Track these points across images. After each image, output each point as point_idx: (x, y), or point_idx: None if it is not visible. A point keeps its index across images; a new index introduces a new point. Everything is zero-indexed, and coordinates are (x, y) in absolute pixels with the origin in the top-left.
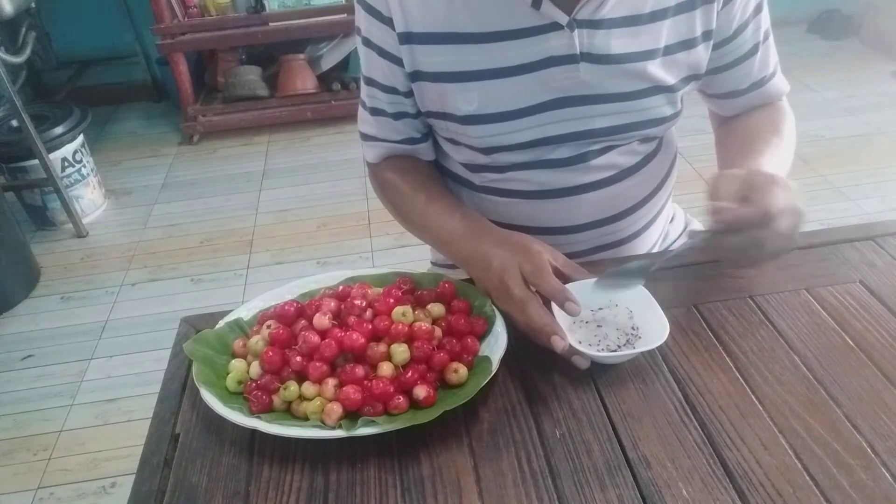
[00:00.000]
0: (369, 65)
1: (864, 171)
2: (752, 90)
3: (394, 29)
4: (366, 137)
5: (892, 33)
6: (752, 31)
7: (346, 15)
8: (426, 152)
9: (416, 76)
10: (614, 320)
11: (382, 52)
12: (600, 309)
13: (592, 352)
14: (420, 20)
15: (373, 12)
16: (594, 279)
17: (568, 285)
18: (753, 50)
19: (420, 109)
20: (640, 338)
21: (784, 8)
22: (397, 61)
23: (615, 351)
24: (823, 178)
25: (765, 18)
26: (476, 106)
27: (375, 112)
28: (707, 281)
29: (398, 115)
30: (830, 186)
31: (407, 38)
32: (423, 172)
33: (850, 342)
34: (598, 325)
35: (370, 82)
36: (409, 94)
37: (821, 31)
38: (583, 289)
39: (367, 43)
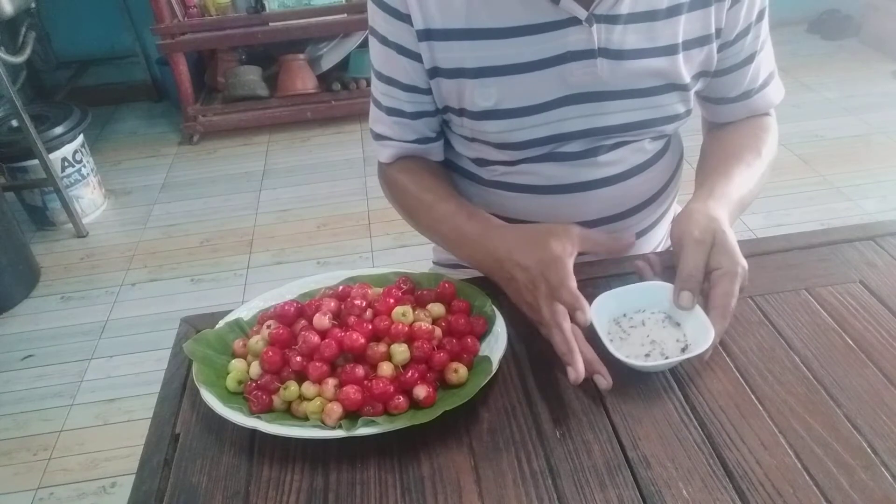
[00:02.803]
0: (388, 64)
1: (864, 171)
2: (739, 100)
3: (412, 25)
4: (379, 137)
5: (893, 33)
6: (752, 38)
7: (345, 15)
8: (437, 152)
9: (434, 73)
10: (661, 330)
11: (402, 50)
12: (637, 312)
13: (637, 362)
14: (439, 17)
15: (389, 10)
16: (629, 286)
17: (603, 295)
18: (749, 59)
19: (438, 106)
20: (687, 344)
21: (784, 8)
22: (417, 58)
23: (665, 358)
24: (823, 178)
25: (765, 27)
26: (494, 101)
27: (392, 112)
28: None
29: (417, 115)
30: (830, 186)
31: (426, 34)
32: (433, 173)
33: (850, 342)
34: (648, 337)
35: (389, 81)
36: (429, 91)
37: (821, 31)
38: (617, 296)
39: (385, 41)
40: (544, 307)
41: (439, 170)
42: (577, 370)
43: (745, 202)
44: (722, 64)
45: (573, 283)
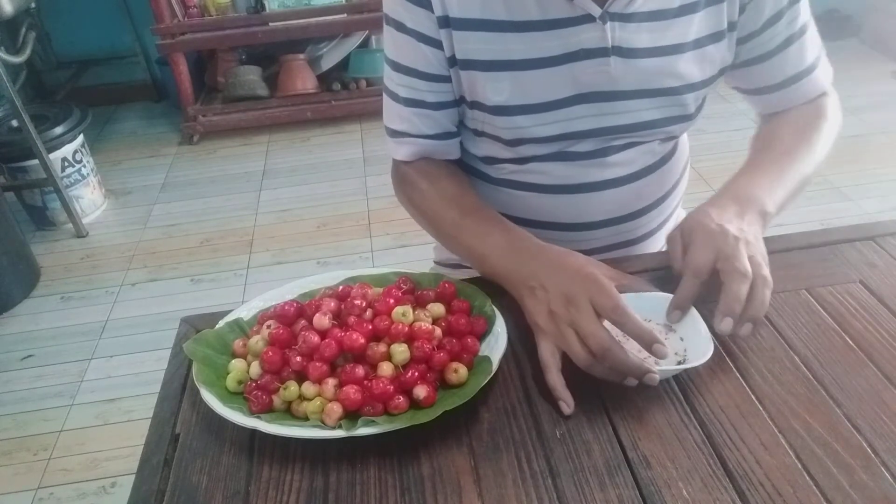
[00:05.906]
0: (407, 53)
1: (864, 171)
2: (785, 86)
3: (433, 12)
4: (395, 134)
5: (893, 33)
6: (786, 23)
7: (345, 15)
8: (455, 150)
9: (451, 62)
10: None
11: (422, 38)
12: (647, 321)
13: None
14: (457, 5)
15: None
16: (628, 295)
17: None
18: (786, 43)
19: (456, 96)
20: (685, 357)
21: None
22: (438, 45)
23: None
24: (823, 178)
25: (804, 9)
26: (506, 97)
27: (412, 104)
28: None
29: (439, 105)
30: (830, 186)
31: (444, 22)
32: (455, 180)
33: (850, 342)
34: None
35: (408, 71)
36: (450, 79)
37: (821, 30)
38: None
39: (403, 29)
40: (587, 325)
41: (461, 175)
42: (654, 379)
43: (780, 198)
44: (752, 53)
45: (634, 314)
